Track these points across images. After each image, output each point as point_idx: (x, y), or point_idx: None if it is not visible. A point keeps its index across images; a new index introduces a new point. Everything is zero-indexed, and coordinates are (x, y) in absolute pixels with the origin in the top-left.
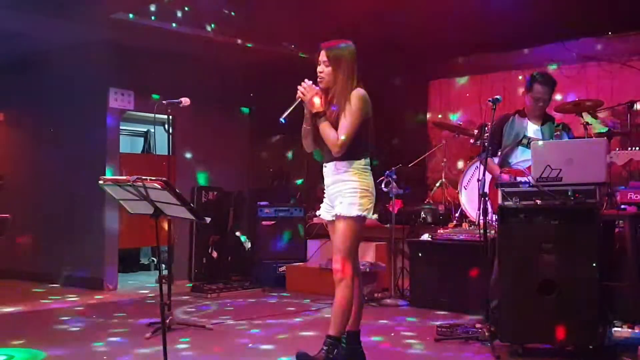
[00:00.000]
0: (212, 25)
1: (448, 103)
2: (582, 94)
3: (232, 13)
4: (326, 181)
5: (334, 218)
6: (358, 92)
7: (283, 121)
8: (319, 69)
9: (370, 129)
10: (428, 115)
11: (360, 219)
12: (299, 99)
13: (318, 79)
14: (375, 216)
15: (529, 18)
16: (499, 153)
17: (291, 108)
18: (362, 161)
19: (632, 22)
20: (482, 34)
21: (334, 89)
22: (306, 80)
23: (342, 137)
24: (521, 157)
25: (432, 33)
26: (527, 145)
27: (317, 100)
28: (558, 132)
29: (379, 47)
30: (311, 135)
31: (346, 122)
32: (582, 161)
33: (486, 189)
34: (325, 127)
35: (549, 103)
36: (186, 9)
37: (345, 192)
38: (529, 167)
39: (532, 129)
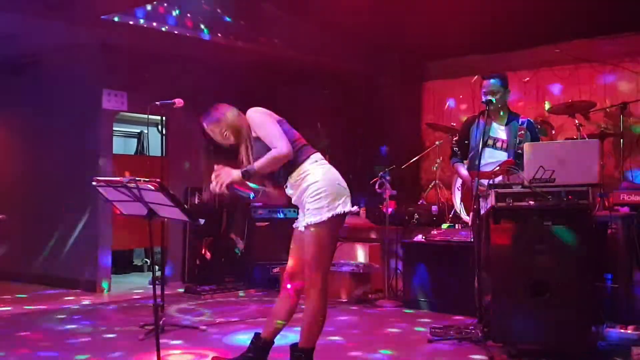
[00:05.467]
0: (206, 30)
1: (442, 104)
2: (575, 95)
3: (228, 18)
4: (294, 199)
5: (303, 228)
6: (247, 113)
7: (252, 197)
8: (217, 138)
9: (288, 128)
10: (422, 117)
11: (331, 220)
12: (232, 188)
13: (225, 146)
14: (355, 208)
15: (523, 20)
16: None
17: (242, 193)
18: (311, 158)
19: (625, 24)
20: (475, 36)
21: (233, 141)
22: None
23: (277, 145)
24: (488, 159)
25: (426, 35)
26: (493, 146)
27: (234, 172)
28: (522, 132)
29: (373, 49)
30: (275, 189)
31: (263, 134)
32: (575, 162)
33: (479, 191)
34: (260, 165)
35: (505, 100)
36: (178, 11)
37: (309, 197)
38: (499, 167)
39: (497, 129)
